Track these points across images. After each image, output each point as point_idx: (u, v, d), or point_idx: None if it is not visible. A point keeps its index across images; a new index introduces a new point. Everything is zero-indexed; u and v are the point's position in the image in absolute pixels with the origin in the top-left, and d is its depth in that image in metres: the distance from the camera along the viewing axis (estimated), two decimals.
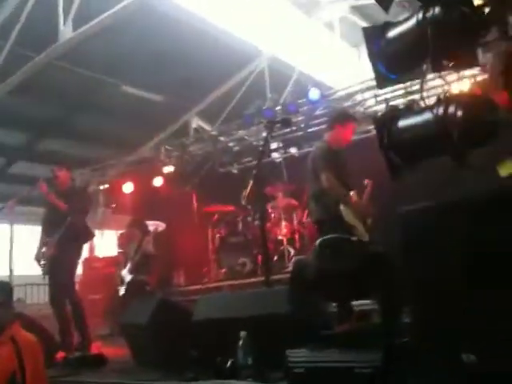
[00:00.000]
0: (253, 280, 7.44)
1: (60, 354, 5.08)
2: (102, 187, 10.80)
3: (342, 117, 5.07)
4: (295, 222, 8.10)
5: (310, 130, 9.08)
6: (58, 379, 3.97)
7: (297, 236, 8.04)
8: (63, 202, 5.69)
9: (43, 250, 5.81)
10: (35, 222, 13.18)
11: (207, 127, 11.04)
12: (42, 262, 5.77)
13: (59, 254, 5.61)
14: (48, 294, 5.93)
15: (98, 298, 8.57)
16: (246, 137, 10.20)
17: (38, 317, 5.95)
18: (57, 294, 5.69)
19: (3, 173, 12.20)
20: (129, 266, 8.11)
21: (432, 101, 3.01)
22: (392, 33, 3.25)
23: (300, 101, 8.64)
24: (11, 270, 9.25)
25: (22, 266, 11.35)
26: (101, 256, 10.65)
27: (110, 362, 4.88)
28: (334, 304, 4.10)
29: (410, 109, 3.22)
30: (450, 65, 2.97)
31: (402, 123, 3.07)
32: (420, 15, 2.98)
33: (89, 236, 6.24)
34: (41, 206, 6.69)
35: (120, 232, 10.29)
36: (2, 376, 3.39)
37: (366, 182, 4.95)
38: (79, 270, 7.09)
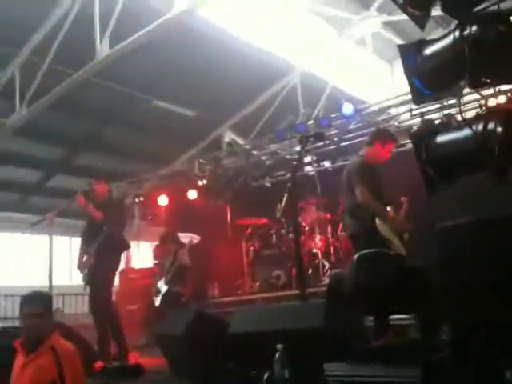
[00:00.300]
0: (287, 293, 7.47)
1: (98, 364, 5.16)
2: (137, 200, 10.98)
3: (384, 136, 5.09)
4: (330, 235, 8.10)
5: (343, 143, 9.10)
6: None
7: (332, 249, 8.04)
8: (101, 214, 5.83)
9: (84, 259, 5.93)
10: (73, 234, 13.53)
11: (240, 141, 11.15)
12: (84, 272, 5.89)
13: (97, 264, 5.72)
14: (88, 304, 6.02)
15: (134, 308, 8.69)
16: (278, 151, 10.28)
17: (75, 326, 6.08)
18: (97, 304, 5.80)
19: (42, 186, 12.54)
20: (165, 277, 8.22)
21: (468, 115, 3.03)
22: (428, 50, 3.28)
23: (333, 115, 8.68)
24: (50, 281, 9.46)
25: (60, 277, 11.65)
26: (137, 267, 10.83)
27: (146, 373, 4.94)
28: (370, 318, 4.11)
29: (448, 124, 3.24)
30: (488, 81, 2.99)
31: (440, 138, 3.09)
32: (457, 33, 3.01)
33: (125, 246, 6.34)
34: (78, 218, 6.87)
35: (155, 244, 10.44)
36: None
37: (402, 199, 4.93)
38: (116, 281, 7.20)
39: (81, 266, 5.94)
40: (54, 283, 10.51)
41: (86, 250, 5.94)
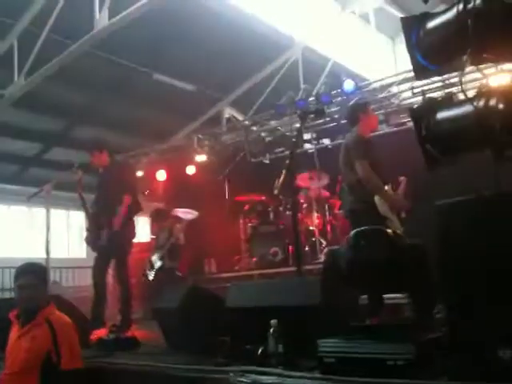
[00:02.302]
0: (284, 269, 7.49)
1: (94, 336, 5.20)
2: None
3: (360, 106, 5.11)
4: (327, 213, 8.09)
5: (343, 121, 9.01)
6: (91, 360, 4.06)
7: (329, 227, 8.04)
8: (106, 182, 5.79)
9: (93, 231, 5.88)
10: (70, 207, 13.52)
11: (240, 117, 11.07)
12: (97, 243, 5.84)
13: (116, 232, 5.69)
14: (92, 273, 5.95)
15: (131, 282, 8.70)
16: (278, 127, 10.20)
17: (72, 299, 6.10)
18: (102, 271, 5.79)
19: (40, 159, 12.49)
20: (159, 252, 8.23)
21: (470, 94, 2.97)
22: (431, 23, 3.21)
23: (334, 92, 8.59)
24: (48, 253, 9.46)
25: (58, 250, 11.66)
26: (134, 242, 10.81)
27: (142, 345, 4.97)
28: (365, 296, 4.11)
29: (449, 101, 3.19)
30: (490, 58, 2.93)
31: (441, 115, 3.04)
32: (460, 6, 2.94)
33: (139, 209, 6.22)
34: (75, 191, 6.80)
35: None
36: (38, 356, 3.50)
37: (400, 179, 4.91)
38: None
39: (89, 240, 5.90)
40: (52, 256, 10.55)
41: (99, 221, 5.86)
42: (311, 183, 8.34)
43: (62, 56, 7.50)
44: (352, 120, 5.07)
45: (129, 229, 5.91)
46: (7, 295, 9.16)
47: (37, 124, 11.17)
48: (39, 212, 12.21)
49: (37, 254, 10.52)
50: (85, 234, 6.05)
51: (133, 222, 6.00)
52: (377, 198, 4.30)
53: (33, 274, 3.79)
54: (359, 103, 5.58)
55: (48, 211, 9.99)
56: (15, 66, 7.92)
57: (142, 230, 13.43)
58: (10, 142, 11.38)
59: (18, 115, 10.20)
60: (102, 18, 6.76)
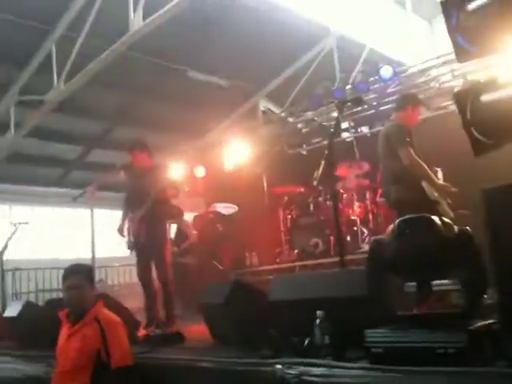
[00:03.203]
0: (325, 260, 7.45)
1: (141, 332, 5.28)
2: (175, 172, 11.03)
3: (413, 99, 5.04)
4: (368, 202, 7.99)
5: (382, 108, 8.87)
6: (139, 356, 4.12)
7: (370, 216, 7.94)
8: (142, 182, 5.80)
9: (126, 225, 5.93)
10: (114, 207, 13.76)
11: (275, 109, 11.03)
12: (126, 237, 5.90)
13: (148, 232, 5.71)
14: (137, 271, 5.99)
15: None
16: (314, 118, 10.11)
17: (118, 297, 6.21)
18: (152, 270, 5.86)
19: (81, 161, 12.75)
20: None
21: None
22: (472, 5, 3.13)
23: (371, 79, 8.45)
24: (93, 253, 9.67)
25: (103, 249, 11.91)
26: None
27: (188, 340, 5.02)
28: (412, 284, 4.04)
29: (493, 83, 3.09)
30: None
31: (485, 98, 2.96)
32: None
33: (172, 213, 6.26)
34: (118, 191, 6.91)
35: (194, 215, 10.54)
36: (89, 355, 3.57)
37: (435, 169, 4.81)
38: None
39: (120, 230, 5.98)
40: (97, 255, 10.81)
41: (128, 216, 5.93)
42: (351, 172, 8.25)
43: (99, 59, 7.59)
44: (398, 106, 5.01)
45: (164, 228, 5.96)
46: (55, 295, 9.41)
47: (77, 127, 11.40)
48: (84, 213, 12.47)
49: (82, 254, 10.79)
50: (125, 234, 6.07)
51: (163, 224, 6.04)
52: (425, 184, 4.22)
53: (80, 275, 3.87)
54: (413, 96, 5.48)
55: (92, 212, 10.26)
56: (54, 72, 8.07)
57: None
58: (53, 145, 11.66)
59: (59, 119, 10.43)
60: (136, 19, 6.80)
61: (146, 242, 5.73)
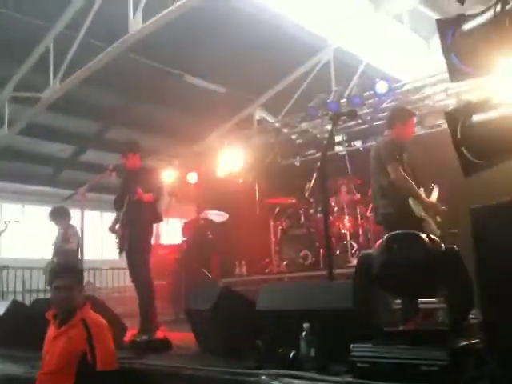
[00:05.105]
0: (314, 273, 7.45)
1: (127, 337, 5.26)
2: (167, 177, 11.03)
3: (401, 114, 5.02)
4: (359, 216, 8.02)
5: (375, 123, 8.94)
6: (123, 361, 4.11)
7: (360, 230, 7.96)
8: (132, 184, 5.65)
9: (117, 226, 5.88)
10: (104, 209, 13.73)
11: (271, 119, 11.08)
12: (116, 237, 5.87)
13: (130, 235, 5.64)
14: (130, 276, 5.93)
15: (163, 283, 8.79)
16: (309, 129, 10.16)
17: (106, 300, 6.18)
18: (132, 274, 5.79)
19: (74, 161, 12.73)
20: None
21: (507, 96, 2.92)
22: (467, 25, 3.18)
23: (366, 93, 8.52)
24: (82, 255, 9.61)
25: (92, 251, 11.86)
26: (166, 243, 10.95)
27: (174, 347, 5.01)
28: (399, 301, 4.06)
29: (485, 104, 3.13)
30: None
31: (477, 118, 3.00)
32: (498, 7, 2.89)
33: (156, 219, 6.19)
34: (109, 193, 6.87)
35: (184, 221, 10.53)
36: (74, 356, 3.57)
37: (432, 186, 4.84)
38: None
39: (112, 229, 5.95)
40: (86, 258, 10.73)
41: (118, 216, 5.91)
42: (343, 186, 8.28)
43: (97, 59, 7.60)
44: (389, 122, 5.02)
45: (148, 234, 5.87)
46: (42, 296, 9.35)
47: (71, 126, 11.39)
48: (73, 214, 12.39)
49: None
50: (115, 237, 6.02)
51: (151, 228, 5.95)
52: (411, 200, 4.25)
53: (69, 276, 3.87)
54: (401, 110, 5.45)
55: (82, 213, 10.18)
56: (51, 70, 8.07)
57: (174, 232, 13.60)
58: (46, 144, 11.63)
59: (54, 118, 10.42)
60: (135, 21, 6.82)
61: (129, 244, 5.68)
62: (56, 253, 7.46)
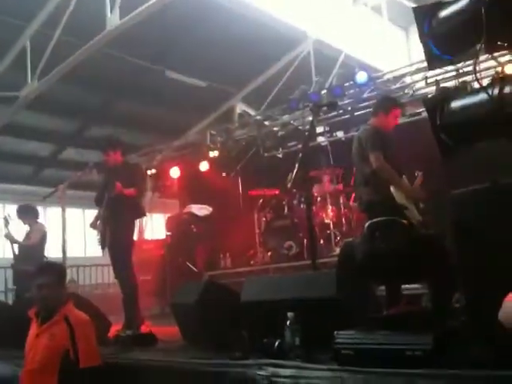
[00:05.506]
0: (298, 263, 7.48)
1: (111, 333, 5.23)
2: (149, 172, 10.98)
3: (386, 103, 5.03)
4: (342, 205, 8.06)
5: (357, 113, 8.96)
6: (108, 357, 4.09)
7: (344, 220, 8.00)
8: (113, 180, 5.55)
9: (98, 222, 5.82)
10: (86, 206, 13.62)
11: (252, 112, 11.07)
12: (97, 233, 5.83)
13: (111, 230, 5.59)
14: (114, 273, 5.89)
15: (147, 278, 8.75)
16: (291, 121, 10.17)
17: (89, 297, 6.14)
18: (115, 270, 5.74)
19: (54, 159, 12.60)
20: None
21: (484, 82, 2.94)
22: (444, 12, 3.18)
23: (347, 84, 8.54)
24: (64, 252, 9.54)
25: (74, 249, 11.77)
26: (150, 239, 10.91)
27: (159, 341, 4.99)
28: (382, 287, 4.09)
29: (463, 90, 3.16)
30: (505, 45, 2.90)
31: (455, 104, 3.02)
32: None
33: (139, 214, 6.12)
34: (90, 190, 6.80)
35: (168, 216, 10.50)
36: (57, 353, 3.55)
37: (416, 173, 4.87)
38: None
39: (93, 225, 5.90)
40: (68, 255, 10.67)
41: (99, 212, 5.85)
42: (325, 176, 8.31)
43: (75, 56, 7.53)
44: (373, 111, 5.04)
45: (129, 230, 5.81)
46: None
47: (51, 124, 11.26)
48: (55, 212, 12.32)
49: (54, 253, 10.61)
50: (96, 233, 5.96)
51: (133, 223, 5.90)
52: (393, 188, 4.27)
53: (52, 274, 3.84)
54: (386, 99, 5.44)
55: (63, 210, 10.12)
56: (28, 68, 7.97)
57: (158, 227, 13.54)
58: (25, 143, 11.49)
59: (32, 116, 10.30)
60: (113, 18, 6.77)
61: (111, 240, 5.63)
62: (18, 249, 7.43)
